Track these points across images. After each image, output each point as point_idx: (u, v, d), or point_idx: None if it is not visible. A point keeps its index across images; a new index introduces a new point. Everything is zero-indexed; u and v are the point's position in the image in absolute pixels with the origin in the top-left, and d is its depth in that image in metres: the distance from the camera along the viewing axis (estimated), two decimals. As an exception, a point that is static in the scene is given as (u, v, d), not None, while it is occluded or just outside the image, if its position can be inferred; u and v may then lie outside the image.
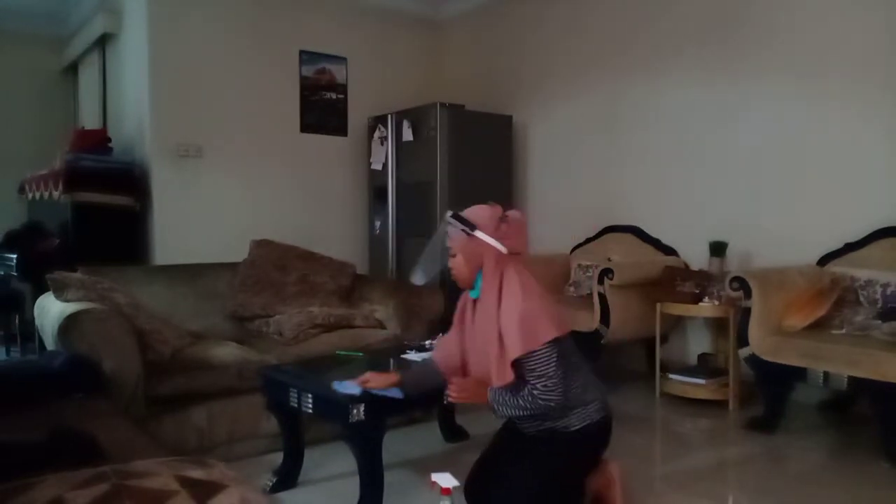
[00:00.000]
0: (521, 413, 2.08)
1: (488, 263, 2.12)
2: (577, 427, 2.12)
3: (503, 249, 2.12)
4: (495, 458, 2.28)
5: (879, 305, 3.28)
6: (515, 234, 2.16)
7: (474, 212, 2.17)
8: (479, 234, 2.12)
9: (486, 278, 2.13)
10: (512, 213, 2.19)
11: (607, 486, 2.30)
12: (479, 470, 2.27)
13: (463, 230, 2.13)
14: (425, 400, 2.61)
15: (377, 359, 2.91)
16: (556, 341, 2.04)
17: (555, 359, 2.02)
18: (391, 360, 2.84)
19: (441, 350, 2.41)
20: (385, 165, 5.26)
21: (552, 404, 2.04)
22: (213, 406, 2.90)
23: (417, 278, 2.30)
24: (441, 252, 2.24)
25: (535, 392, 2.03)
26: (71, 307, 2.72)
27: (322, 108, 5.46)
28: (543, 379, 2.02)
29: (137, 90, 4.93)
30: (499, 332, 2.06)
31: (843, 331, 3.24)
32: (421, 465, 2.89)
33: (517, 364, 2.04)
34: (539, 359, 2.02)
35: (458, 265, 2.18)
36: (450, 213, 2.19)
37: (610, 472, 2.30)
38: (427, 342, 3.06)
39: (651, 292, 3.95)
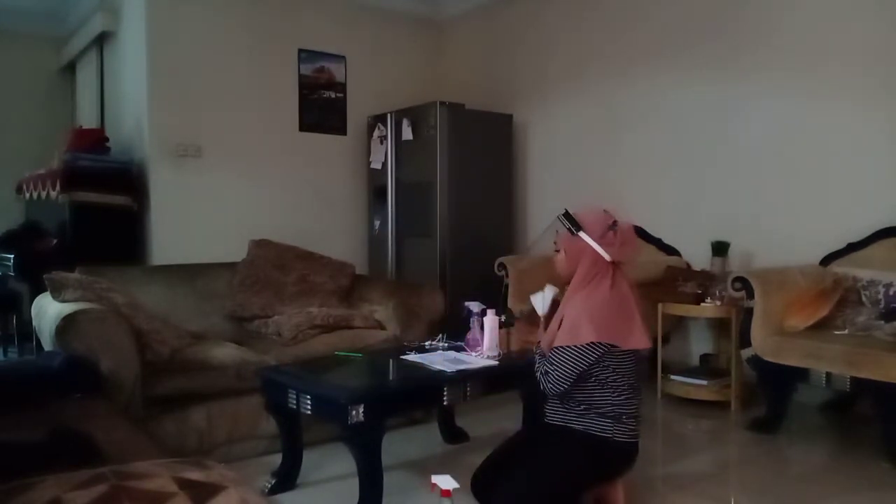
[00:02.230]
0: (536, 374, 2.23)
1: (584, 263, 2.21)
2: (593, 433, 2.15)
3: (606, 256, 2.19)
4: (504, 455, 2.29)
5: (882, 306, 3.26)
6: (621, 244, 2.21)
7: (585, 214, 2.27)
8: (583, 235, 2.22)
9: (576, 278, 2.22)
10: (622, 223, 2.24)
11: (613, 496, 2.29)
12: (487, 464, 2.27)
13: (569, 229, 2.24)
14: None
15: (376, 359, 2.90)
16: (599, 350, 2.11)
17: (586, 363, 2.11)
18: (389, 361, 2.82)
19: None
20: (384, 165, 5.25)
21: (545, 390, 2.20)
22: (212, 407, 2.88)
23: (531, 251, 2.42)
24: (548, 239, 2.42)
25: (545, 372, 2.17)
26: (68, 307, 2.70)
27: (321, 107, 5.44)
28: (558, 372, 2.14)
29: (135, 89, 4.91)
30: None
31: (846, 331, 3.23)
32: (421, 466, 2.87)
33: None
34: (568, 354, 2.12)
35: (560, 261, 2.32)
36: (564, 210, 2.29)
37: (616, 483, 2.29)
38: (427, 343, 3.04)
39: (652, 292, 3.92)
